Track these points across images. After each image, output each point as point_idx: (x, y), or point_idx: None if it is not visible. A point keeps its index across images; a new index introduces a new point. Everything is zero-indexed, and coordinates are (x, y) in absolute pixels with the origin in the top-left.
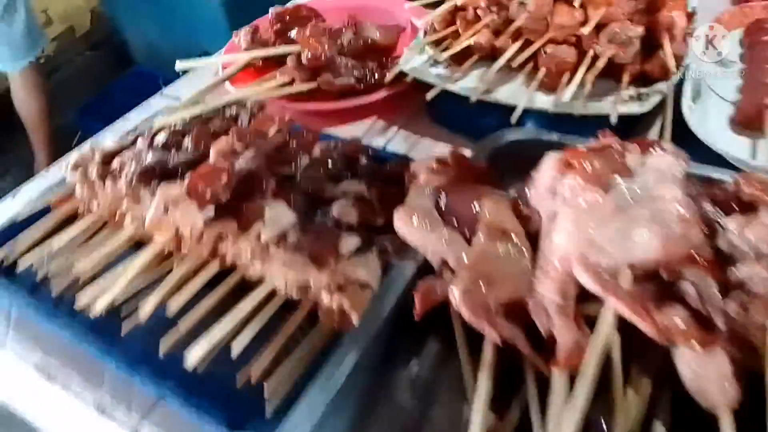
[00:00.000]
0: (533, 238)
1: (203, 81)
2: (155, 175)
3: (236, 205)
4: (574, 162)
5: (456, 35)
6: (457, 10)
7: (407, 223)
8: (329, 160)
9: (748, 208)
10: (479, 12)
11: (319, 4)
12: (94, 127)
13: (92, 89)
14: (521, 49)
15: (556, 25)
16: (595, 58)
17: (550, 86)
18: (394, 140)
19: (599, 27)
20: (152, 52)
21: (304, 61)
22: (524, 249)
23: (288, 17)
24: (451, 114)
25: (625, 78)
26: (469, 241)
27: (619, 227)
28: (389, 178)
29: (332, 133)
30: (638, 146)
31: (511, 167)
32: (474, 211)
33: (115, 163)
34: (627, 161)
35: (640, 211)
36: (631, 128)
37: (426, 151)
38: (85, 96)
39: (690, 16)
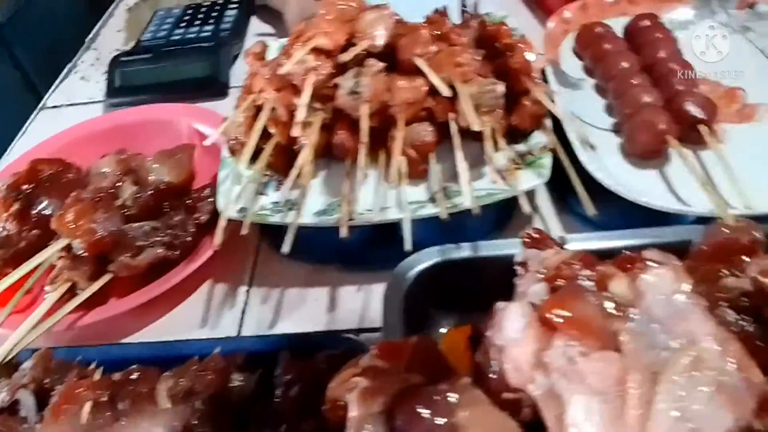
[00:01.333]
0: (530, 430)
1: None
2: None
3: None
4: (556, 319)
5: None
6: (258, 110)
7: None
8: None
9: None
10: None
11: (65, 138)
12: None
13: None
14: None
15: (399, 103)
16: (460, 129)
17: (414, 175)
18: (250, 308)
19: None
20: None
21: (79, 251)
22: None
23: (25, 186)
24: (306, 244)
25: (501, 142)
26: None
27: (666, 403)
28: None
29: (158, 328)
30: (617, 268)
31: (428, 302)
32: (447, 428)
33: None
34: (613, 291)
35: (678, 368)
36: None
37: (297, 313)
38: None
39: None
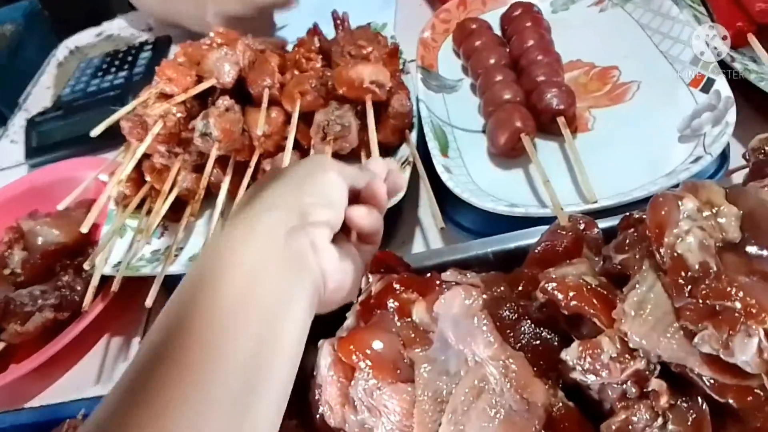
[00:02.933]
0: None
1: None
2: None
3: None
4: (350, 356)
5: (154, 191)
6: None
7: None
8: None
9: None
10: (162, 160)
11: None
12: None
13: None
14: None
15: (257, 138)
16: None
17: None
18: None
19: (307, 117)
20: None
21: None
22: None
23: None
24: None
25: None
26: None
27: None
28: None
29: (59, 388)
30: (417, 293)
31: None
32: None
33: None
34: (414, 317)
35: (461, 396)
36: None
37: None
38: None
39: (394, 55)
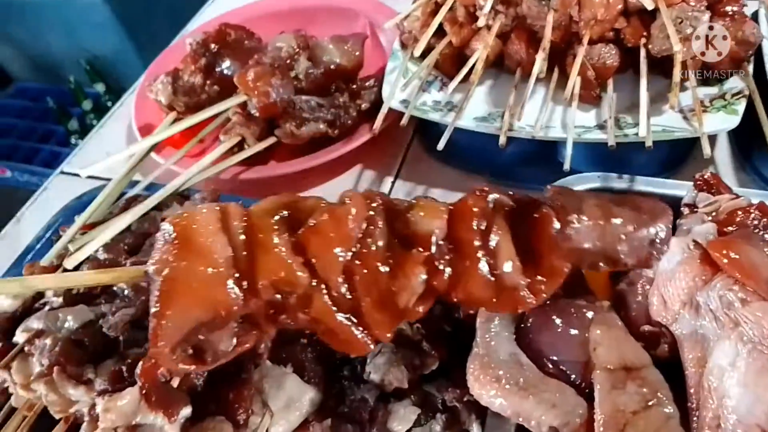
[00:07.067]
0: (664, 367)
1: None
2: (80, 360)
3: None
4: (722, 260)
5: (442, 40)
6: (438, 7)
7: (491, 388)
8: None
9: None
10: (478, 13)
11: (249, 12)
12: None
13: None
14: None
15: (587, 19)
16: (648, 56)
17: (586, 98)
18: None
19: (642, 15)
20: (32, 65)
21: (252, 110)
22: (661, 393)
23: (213, 45)
24: (459, 148)
25: (692, 79)
26: (581, 390)
27: None
28: None
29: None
30: None
31: None
32: (577, 341)
33: (20, 335)
34: None
35: None
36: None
37: None
38: None
39: None
